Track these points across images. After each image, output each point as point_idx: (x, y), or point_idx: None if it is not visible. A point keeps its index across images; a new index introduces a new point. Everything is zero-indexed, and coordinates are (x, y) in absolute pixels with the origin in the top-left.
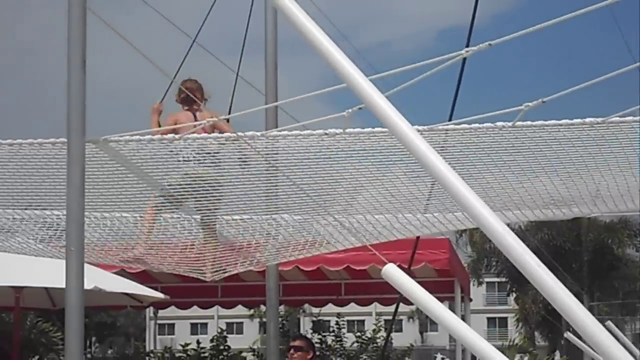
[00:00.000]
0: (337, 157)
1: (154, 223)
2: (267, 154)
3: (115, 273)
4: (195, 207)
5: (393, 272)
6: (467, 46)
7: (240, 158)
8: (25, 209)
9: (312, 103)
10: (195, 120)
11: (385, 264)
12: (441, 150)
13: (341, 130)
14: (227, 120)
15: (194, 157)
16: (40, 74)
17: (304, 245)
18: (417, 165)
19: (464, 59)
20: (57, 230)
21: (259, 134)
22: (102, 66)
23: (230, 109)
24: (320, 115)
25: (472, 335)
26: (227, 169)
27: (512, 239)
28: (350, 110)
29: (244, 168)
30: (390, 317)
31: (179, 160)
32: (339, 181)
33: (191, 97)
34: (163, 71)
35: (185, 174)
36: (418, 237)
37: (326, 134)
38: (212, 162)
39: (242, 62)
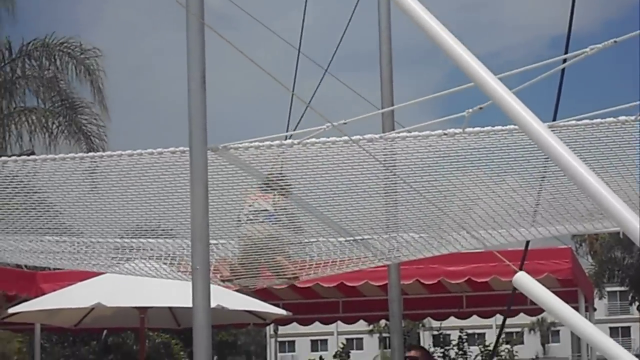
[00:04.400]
0: (456, 157)
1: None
2: (385, 158)
3: (237, 291)
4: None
5: (524, 280)
6: (566, 52)
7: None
8: (145, 235)
9: (422, 116)
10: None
11: (514, 272)
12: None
13: (460, 130)
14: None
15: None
16: (161, 91)
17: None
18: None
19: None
20: (176, 252)
21: (377, 136)
22: (219, 79)
23: (287, 127)
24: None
25: (608, 342)
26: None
27: None
28: (470, 110)
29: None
30: (513, 330)
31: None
32: (457, 186)
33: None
34: (283, 84)
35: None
36: (528, 242)
37: (445, 133)
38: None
39: (354, 78)
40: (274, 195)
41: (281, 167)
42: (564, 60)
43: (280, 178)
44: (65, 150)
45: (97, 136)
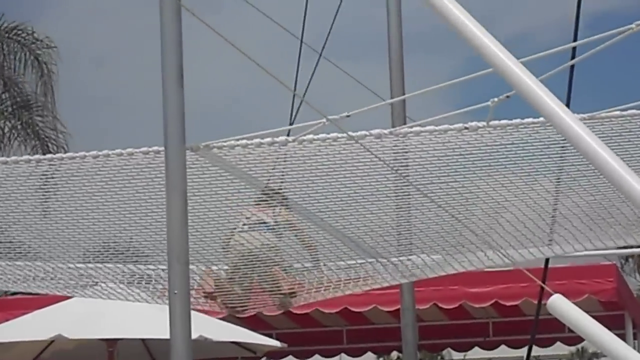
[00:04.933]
0: (480, 155)
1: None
2: (395, 158)
3: (221, 319)
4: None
5: (560, 304)
6: (575, 39)
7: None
8: (113, 252)
9: (437, 108)
10: None
11: (550, 294)
12: (607, 141)
13: (484, 123)
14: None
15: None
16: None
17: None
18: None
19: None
20: (150, 274)
21: (386, 131)
22: (194, 70)
23: (291, 121)
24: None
25: None
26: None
27: None
28: (496, 99)
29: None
30: None
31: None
32: (481, 188)
33: None
34: (282, 82)
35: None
36: (547, 260)
37: (466, 127)
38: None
39: (359, 66)
40: (274, 208)
41: (281, 177)
42: (573, 50)
43: (279, 188)
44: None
45: (55, 142)
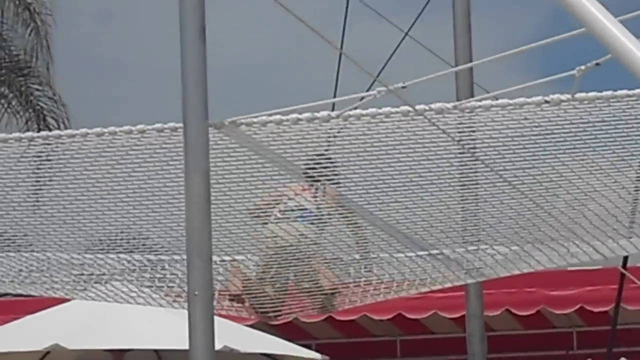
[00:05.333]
0: (563, 134)
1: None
2: (461, 137)
3: (249, 326)
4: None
5: None
6: None
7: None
8: (121, 246)
9: (510, 78)
10: None
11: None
12: None
13: (569, 96)
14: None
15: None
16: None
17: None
18: None
19: None
20: (165, 272)
21: (449, 105)
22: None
23: (335, 92)
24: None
25: None
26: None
27: None
28: (582, 67)
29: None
30: None
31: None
32: (564, 175)
33: None
34: (326, 39)
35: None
36: (626, 257)
37: (547, 101)
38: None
39: (417, 26)
40: (319, 190)
41: (327, 149)
42: None
43: (328, 165)
44: (10, 132)
45: (54, 115)
